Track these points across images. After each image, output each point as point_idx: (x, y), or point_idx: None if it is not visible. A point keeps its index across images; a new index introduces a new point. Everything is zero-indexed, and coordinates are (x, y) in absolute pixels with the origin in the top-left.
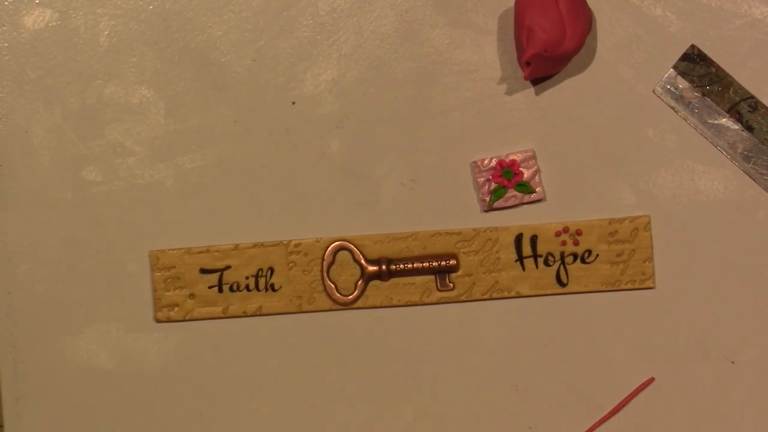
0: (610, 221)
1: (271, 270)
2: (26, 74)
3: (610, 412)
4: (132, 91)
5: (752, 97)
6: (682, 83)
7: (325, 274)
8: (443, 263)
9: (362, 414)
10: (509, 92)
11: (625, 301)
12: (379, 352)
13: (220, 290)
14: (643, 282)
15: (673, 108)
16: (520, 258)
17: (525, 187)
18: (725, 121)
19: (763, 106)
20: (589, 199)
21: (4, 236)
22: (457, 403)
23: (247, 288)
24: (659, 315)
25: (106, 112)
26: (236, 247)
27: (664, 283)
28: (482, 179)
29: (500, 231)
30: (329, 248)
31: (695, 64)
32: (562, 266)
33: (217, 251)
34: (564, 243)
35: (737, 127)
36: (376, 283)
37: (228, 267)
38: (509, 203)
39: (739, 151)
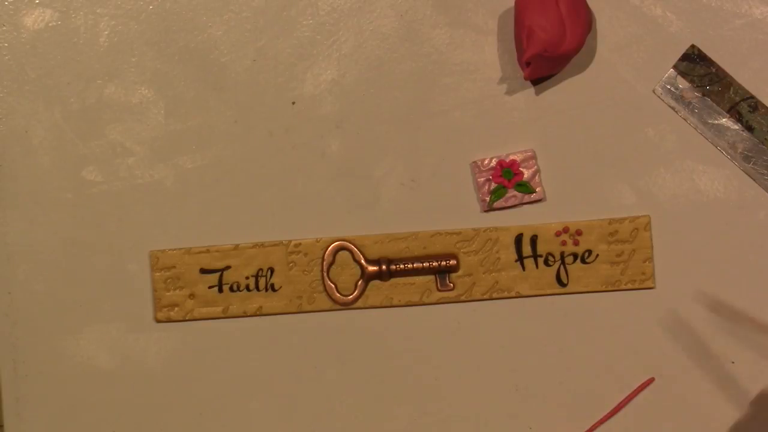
0: (610, 221)
1: (271, 270)
2: (26, 74)
3: (610, 412)
4: (132, 91)
5: (752, 97)
6: (682, 83)
7: (325, 274)
8: (443, 263)
9: (362, 414)
10: (509, 92)
11: (625, 301)
12: (379, 352)
13: (220, 290)
14: (643, 282)
15: (673, 108)
16: (520, 258)
17: (525, 187)
18: (725, 121)
19: (763, 106)
20: (589, 199)
21: (4, 236)
22: (457, 403)
23: (247, 288)
24: (659, 315)
25: (106, 112)
26: (236, 247)
27: (664, 283)
28: (482, 179)
29: (500, 231)
30: (329, 248)
31: (695, 64)
32: (562, 266)
33: (217, 251)
34: (564, 243)
35: (737, 127)
36: (376, 283)
37: (228, 267)
38: (509, 203)
39: (739, 151)
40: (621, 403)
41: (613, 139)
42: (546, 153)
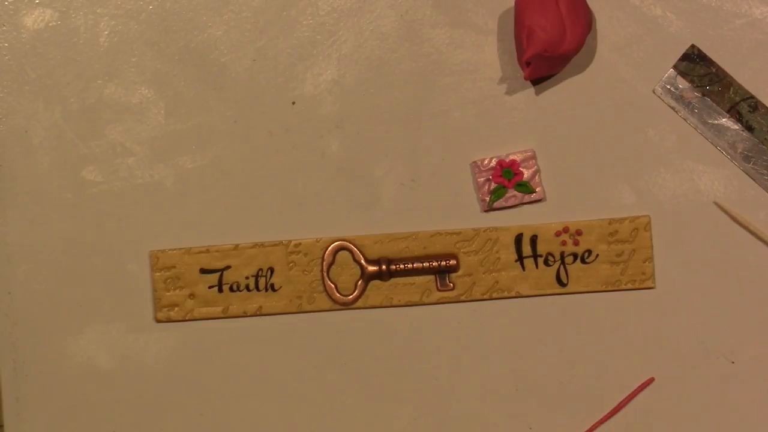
0: (610, 221)
1: (271, 270)
2: (26, 74)
3: (610, 412)
4: (132, 91)
5: (752, 97)
6: (682, 83)
7: (325, 274)
8: (443, 263)
9: (362, 414)
10: (509, 92)
11: (625, 301)
12: (379, 352)
13: (220, 290)
14: (643, 282)
15: (673, 108)
16: (520, 258)
17: (525, 187)
18: (725, 121)
19: (763, 106)
20: (589, 199)
21: (4, 236)
22: (457, 403)
23: (247, 288)
24: (659, 315)
25: (106, 112)
26: (236, 247)
27: (664, 283)
28: (482, 179)
29: (500, 231)
30: (329, 248)
31: (695, 64)
32: (562, 266)
33: (217, 251)
34: (564, 243)
35: (737, 127)
36: (376, 283)
37: (228, 267)
38: (509, 203)
39: (739, 151)
40: (621, 403)
41: (613, 139)
42: (546, 153)
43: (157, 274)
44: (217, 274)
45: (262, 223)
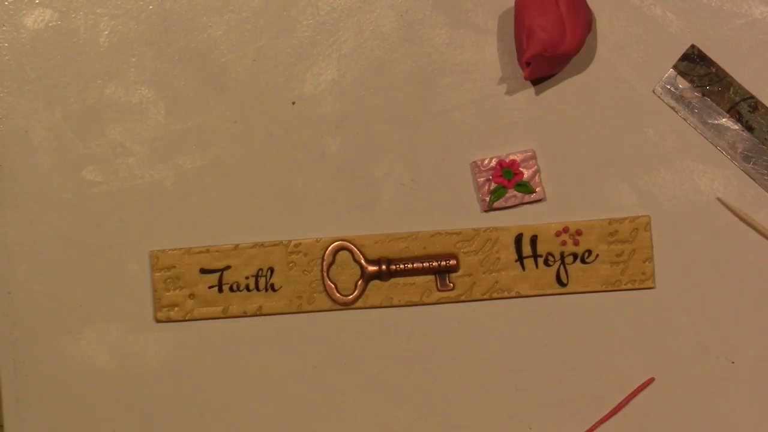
0: (610, 221)
1: (271, 270)
2: (26, 74)
3: (610, 412)
4: (132, 91)
5: (752, 97)
6: (682, 83)
7: (325, 274)
8: (443, 263)
9: (362, 414)
10: (509, 92)
11: (625, 301)
12: (379, 352)
13: (220, 290)
14: (643, 282)
15: (673, 108)
16: (520, 258)
17: (525, 187)
18: (725, 121)
19: (763, 106)
20: (589, 199)
21: (4, 236)
22: (457, 403)
23: (247, 288)
24: (659, 315)
25: (106, 112)
26: (236, 247)
27: (664, 283)
28: (482, 179)
29: (500, 231)
30: (329, 248)
31: (695, 64)
32: (562, 266)
33: (217, 251)
34: (564, 243)
35: (737, 127)
36: (376, 283)
37: (228, 267)
38: (509, 203)
39: (739, 151)
40: (621, 403)
41: (613, 139)
42: (546, 153)
43: (157, 274)
44: (217, 274)
45: (262, 223)
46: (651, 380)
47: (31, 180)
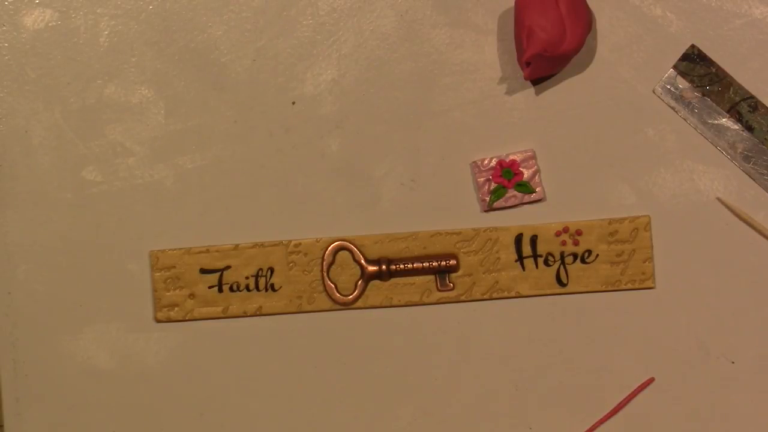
0: (610, 221)
1: (271, 270)
2: (26, 74)
3: (610, 412)
4: (132, 91)
5: (752, 97)
6: (682, 83)
7: (325, 274)
8: (443, 263)
9: (362, 414)
10: (509, 92)
11: (625, 301)
12: (379, 352)
13: (220, 290)
14: (643, 282)
15: (673, 108)
16: (520, 258)
17: (525, 187)
18: (725, 121)
19: (763, 106)
20: (589, 199)
21: (4, 236)
22: (457, 403)
23: (247, 288)
24: (659, 315)
25: (106, 112)
26: (236, 247)
27: (664, 283)
28: (482, 179)
29: (500, 231)
30: (329, 248)
31: (695, 64)
32: (562, 266)
33: (217, 251)
34: (564, 243)
35: (737, 127)
36: (376, 283)
37: (228, 267)
38: (509, 203)
39: (739, 151)
40: (621, 403)
41: (613, 139)
42: (546, 153)
43: (157, 274)
44: (217, 274)
45: (262, 223)
46: (651, 380)
47: (31, 180)
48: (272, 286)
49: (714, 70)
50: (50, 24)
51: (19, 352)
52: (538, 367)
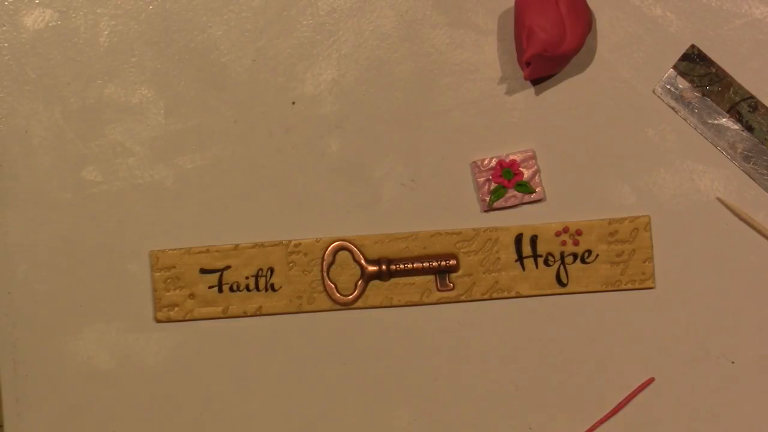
0: (610, 221)
1: (271, 270)
2: (26, 74)
3: (610, 412)
4: (132, 91)
5: (752, 97)
6: (682, 83)
7: (325, 274)
8: (443, 263)
9: (362, 414)
10: (509, 92)
11: (625, 301)
12: (379, 352)
13: (220, 290)
14: (643, 282)
15: (673, 108)
16: (520, 258)
17: (525, 187)
18: (725, 121)
19: (763, 106)
20: (589, 199)
21: (4, 236)
22: (457, 403)
23: (247, 288)
24: (659, 315)
25: (106, 112)
26: (236, 247)
27: (664, 283)
28: (482, 179)
29: (500, 231)
30: (329, 248)
31: (695, 64)
32: (562, 266)
33: (217, 251)
34: (564, 243)
35: (737, 127)
36: (376, 283)
37: (228, 267)
38: (509, 203)
39: (739, 151)
40: (621, 403)
41: (613, 139)
42: (546, 153)
43: (157, 274)
44: (217, 274)
45: (262, 223)
46: (651, 380)
47: (31, 180)
48: (272, 286)
49: (714, 70)
50: (50, 24)
51: (19, 352)
52: (538, 367)
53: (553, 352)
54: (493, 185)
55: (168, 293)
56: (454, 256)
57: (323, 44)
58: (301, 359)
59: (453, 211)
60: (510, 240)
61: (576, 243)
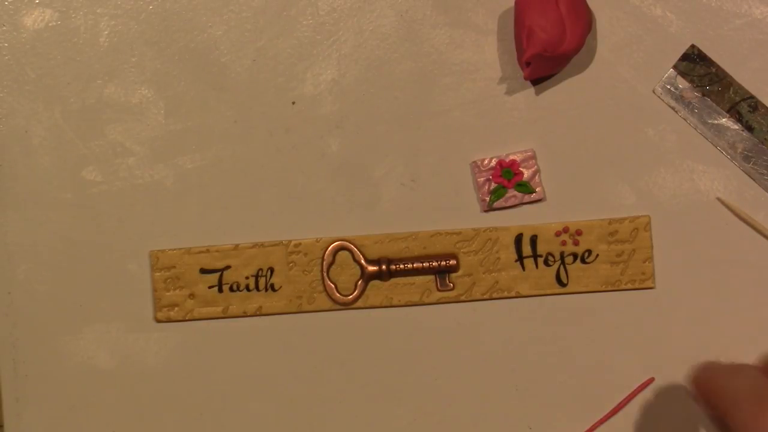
0: (610, 221)
1: (271, 270)
2: (26, 74)
3: (610, 412)
4: (132, 91)
5: (752, 97)
6: (682, 83)
7: (325, 274)
8: (443, 263)
9: (362, 414)
10: (509, 92)
11: (625, 301)
12: (379, 352)
13: (220, 290)
14: (643, 282)
15: (673, 108)
16: (520, 258)
17: (525, 187)
18: (725, 121)
19: (763, 106)
20: (589, 199)
21: (4, 236)
22: (457, 403)
23: (247, 288)
24: (659, 315)
25: (106, 112)
26: (236, 247)
27: (664, 283)
28: (482, 179)
29: (500, 231)
30: (329, 248)
31: (695, 64)
32: (562, 266)
33: (217, 251)
34: (564, 243)
35: (737, 127)
36: (376, 283)
37: (228, 267)
38: (509, 203)
39: (739, 151)
40: (621, 403)
41: (613, 139)
42: (546, 153)
43: (157, 274)
44: (217, 274)
45: (262, 223)
46: (651, 380)
47: (31, 180)
48: (272, 286)
49: (714, 70)
50: (50, 24)
51: (19, 352)
52: (538, 367)
53: (553, 352)
54: (493, 185)
55: (168, 293)
56: (454, 256)
57: (323, 44)
58: (301, 359)
59: (453, 211)
60: (510, 240)
61: (576, 243)
